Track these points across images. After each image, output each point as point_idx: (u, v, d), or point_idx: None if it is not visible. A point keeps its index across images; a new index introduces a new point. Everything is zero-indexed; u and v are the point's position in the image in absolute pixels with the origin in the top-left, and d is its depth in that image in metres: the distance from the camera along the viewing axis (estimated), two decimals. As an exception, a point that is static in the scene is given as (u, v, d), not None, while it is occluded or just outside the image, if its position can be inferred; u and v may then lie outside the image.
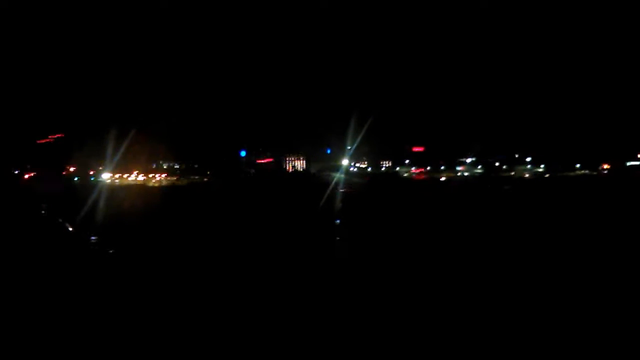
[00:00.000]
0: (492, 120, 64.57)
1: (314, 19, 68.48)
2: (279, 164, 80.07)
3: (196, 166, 79.57)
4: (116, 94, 65.81)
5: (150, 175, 75.58)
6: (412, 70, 71.59)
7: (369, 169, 78.41)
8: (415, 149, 75.79)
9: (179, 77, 71.78)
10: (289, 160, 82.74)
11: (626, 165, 66.39)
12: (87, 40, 67.62)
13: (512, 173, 69.31)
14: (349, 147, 65.49)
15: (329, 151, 74.97)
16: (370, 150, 76.61)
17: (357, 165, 79.29)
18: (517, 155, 70.85)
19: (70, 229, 21.18)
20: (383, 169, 78.77)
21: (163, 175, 77.16)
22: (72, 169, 70.46)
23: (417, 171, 72.94)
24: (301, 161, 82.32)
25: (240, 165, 79.55)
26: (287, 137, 78.04)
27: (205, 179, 75.07)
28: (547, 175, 66.30)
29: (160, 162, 79.21)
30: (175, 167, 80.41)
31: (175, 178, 75.97)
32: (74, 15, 62.95)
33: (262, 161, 78.04)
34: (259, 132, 77.51)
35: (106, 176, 63.48)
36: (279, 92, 74.17)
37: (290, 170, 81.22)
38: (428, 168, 74.50)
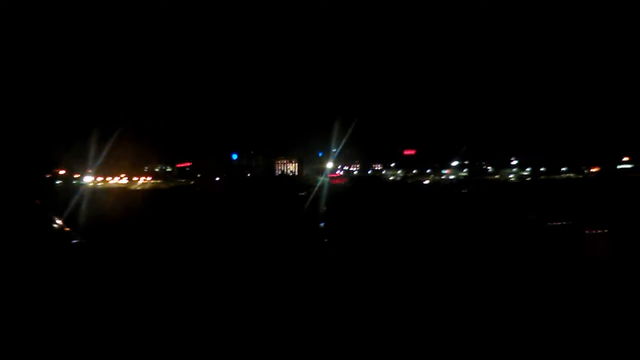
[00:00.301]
0: (485, 123, 65.20)
1: (305, 22, 68.72)
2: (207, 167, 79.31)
3: (187, 169, 79.36)
4: (104, 96, 65.37)
5: (135, 179, 75.13)
6: (405, 73, 72.07)
7: (355, 172, 78.87)
8: (407, 152, 76.38)
9: (171, 80, 71.51)
10: (281, 163, 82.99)
11: (617, 168, 66.98)
12: (75, 40, 66.83)
13: (497, 176, 70.04)
14: (333, 150, 65.77)
15: (320, 154, 75.13)
16: (361, 153, 77.26)
17: (345, 168, 79.76)
18: (512, 159, 71.55)
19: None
20: (370, 172, 79.27)
21: (148, 178, 76.73)
22: (61, 172, 69.52)
23: (334, 175, 72.97)
24: (294, 164, 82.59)
25: (232, 169, 79.62)
26: (279, 140, 78.16)
27: (192, 182, 74.75)
28: (528, 179, 67.02)
29: (152, 165, 79.08)
30: (167, 170, 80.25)
31: (159, 181, 75.60)
32: (61, 13, 62.10)
33: (181, 165, 77.64)
34: (251, 135, 77.54)
35: (89, 179, 62.99)
36: (272, 95, 74.34)
37: (278, 173, 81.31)
38: (414, 171, 75.01)
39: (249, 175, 78.51)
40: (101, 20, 63.35)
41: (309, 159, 79.29)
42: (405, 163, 77.03)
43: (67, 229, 20.46)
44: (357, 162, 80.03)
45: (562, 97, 65.36)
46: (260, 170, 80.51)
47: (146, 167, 77.74)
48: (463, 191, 44.90)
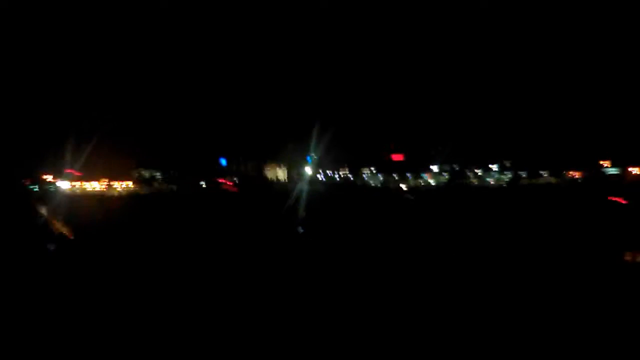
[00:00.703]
0: (471, 127, 65.93)
1: (295, 24, 68.97)
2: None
3: (176, 174, 79.02)
4: (88, 99, 64.69)
5: (115, 184, 74.58)
6: (394, 77, 72.62)
7: (337, 178, 79.51)
8: (395, 157, 77.05)
9: (159, 85, 70.81)
10: (270, 168, 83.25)
11: (605, 173, 67.45)
12: (61, 38, 65.90)
13: (475, 181, 71.06)
14: (312, 155, 66.19)
15: (309, 159, 75.39)
16: (350, 158, 77.90)
17: (329, 173, 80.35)
18: (494, 163, 72.37)
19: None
20: (351, 177, 79.93)
21: (130, 184, 76.22)
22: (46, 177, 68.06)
23: (223, 181, 73.40)
24: (282, 169, 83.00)
25: (220, 174, 79.48)
26: (268, 145, 78.09)
27: (174, 188, 74.47)
28: (503, 184, 68.02)
29: (142, 170, 78.65)
30: (156, 175, 79.87)
31: (137, 187, 75.20)
32: (41, 14, 61.29)
33: (69, 171, 75.41)
34: (240, 140, 77.31)
35: (65, 185, 62.41)
36: (263, 100, 74.23)
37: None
38: (395, 176, 75.69)
39: (236, 180, 78.38)
40: (83, 20, 62.94)
41: (299, 164, 79.48)
42: (387, 168, 77.75)
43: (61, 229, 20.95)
44: (346, 166, 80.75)
45: (547, 102, 66.48)
46: (249, 176, 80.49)
47: (136, 173, 77.41)
48: (409, 197, 45.24)
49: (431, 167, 74.99)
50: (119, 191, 72.24)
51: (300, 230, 24.62)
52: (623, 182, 62.65)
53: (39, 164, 66.20)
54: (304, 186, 52.19)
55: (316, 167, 75.24)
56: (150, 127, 68.83)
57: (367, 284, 12.26)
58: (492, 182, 70.03)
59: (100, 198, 57.84)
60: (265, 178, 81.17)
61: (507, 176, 71.15)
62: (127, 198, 60.46)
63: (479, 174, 72.73)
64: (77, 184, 68.75)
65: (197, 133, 73.75)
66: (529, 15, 64.99)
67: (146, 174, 79.72)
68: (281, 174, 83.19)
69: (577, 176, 69.57)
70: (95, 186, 72.03)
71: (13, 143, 59.60)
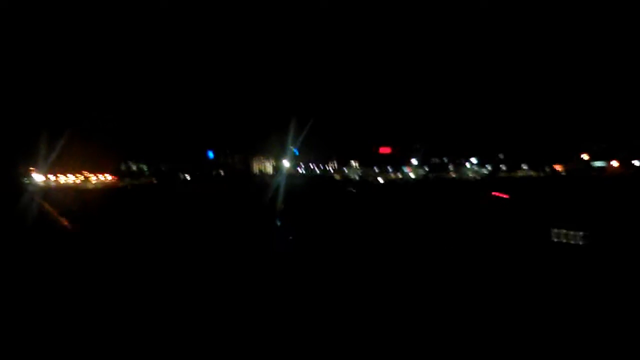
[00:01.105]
0: (457, 121, 67.00)
1: (283, 20, 69.22)
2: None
3: (163, 168, 79.37)
4: (68, 90, 64.30)
5: (94, 177, 74.66)
6: (381, 70, 73.40)
7: (318, 171, 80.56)
8: (383, 150, 78.12)
9: (149, 78, 70.53)
10: (258, 161, 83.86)
11: (592, 166, 69.31)
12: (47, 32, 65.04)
13: (453, 175, 72.44)
14: (290, 147, 66.91)
15: (296, 152, 76.10)
16: (336, 151, 78.97)
17: (311, 165, 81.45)
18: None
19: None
20: (332, 170, 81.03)
21: (107, 176, 76.28)
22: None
23: (108, 176, 73.66)
24: (270, 162, 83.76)
25: (207, 166, 79.94)
26: (255, 137, 78.58)
27: (155, 181, 74.85)
28: (477, 178, 69.25)
29: (130, 163, 78.89)
30: (144, 168, 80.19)
31: (114, 179, 75.40)
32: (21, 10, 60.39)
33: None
34: (227, 133, 77.64)
35: (40, 178, 62.29)
36: (250, 94, 74.59)
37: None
38: (375, 169, 76.89)
39: (222, 173, 78.78)
40: (60, 14, 62.41)
41: (282, 157, 79.97)
42: (372, 161, 78.85)
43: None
44: (334, 157, 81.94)
45: (531, 97, 67.66)
46: (237, 168, 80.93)
47: (124, 165, 77.59)
48: (352, 190, 45.46)
49: (412, 160, 76.28)
50: (94, 184, 72.27)
51: (278, 223, 25.20)
52: (602, 175, 64.35)
53: (14, 156, 65.75)
54: (282, 179, 52.80)
55: (298, 160, 76.14)
56: (138, 121, 68.86)
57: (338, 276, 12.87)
58: (470, 175, 71.36)
59: (75, 190, 57.73)
60: (249, 170, 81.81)
61: (487, 169, 72.60)
62: (102, 191, 60.35)
63: (467, 166, 74.03)
64: (52, 176, 68.66)
65: (185, 126, 74.08)
66: (511, 13, 66.19)
67: (134, 166, 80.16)
68: (268, 166, 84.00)
69: (559, 169, 71.13)
70: (70, 179, 71.95)
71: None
